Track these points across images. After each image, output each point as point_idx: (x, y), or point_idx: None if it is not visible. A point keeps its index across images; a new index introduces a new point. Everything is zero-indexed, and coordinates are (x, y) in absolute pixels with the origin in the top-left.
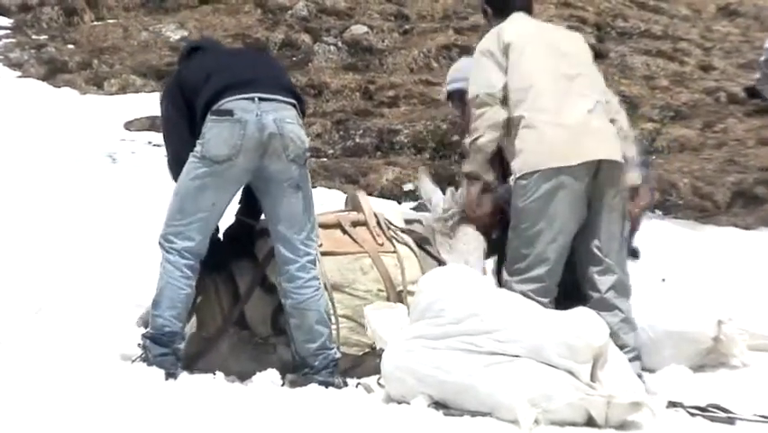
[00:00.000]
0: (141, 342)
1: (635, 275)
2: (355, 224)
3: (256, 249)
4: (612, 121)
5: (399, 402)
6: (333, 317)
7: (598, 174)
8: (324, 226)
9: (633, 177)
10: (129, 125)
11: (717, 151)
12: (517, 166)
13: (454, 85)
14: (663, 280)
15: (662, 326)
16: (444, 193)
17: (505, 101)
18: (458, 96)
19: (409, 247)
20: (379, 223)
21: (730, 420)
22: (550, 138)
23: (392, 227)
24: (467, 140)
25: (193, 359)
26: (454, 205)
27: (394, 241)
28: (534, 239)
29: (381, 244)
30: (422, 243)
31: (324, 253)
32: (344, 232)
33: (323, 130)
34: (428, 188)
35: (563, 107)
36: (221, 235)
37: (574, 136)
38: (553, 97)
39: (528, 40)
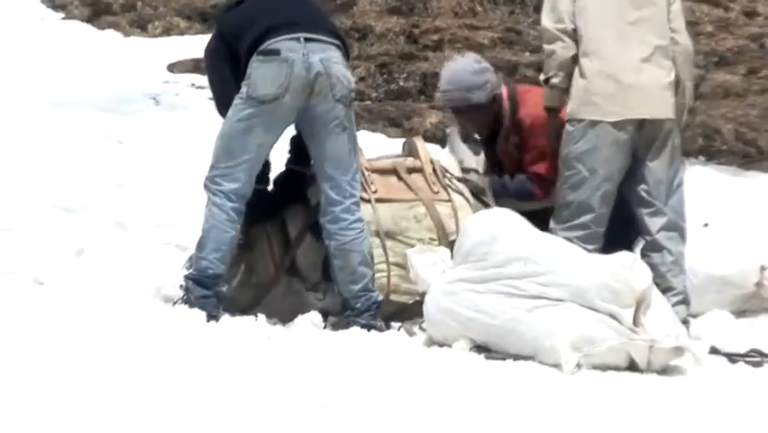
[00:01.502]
0: (184, 284)
1: None
2: (411, 170)
3: (309, 193)
4: (675, 62)
5: (441, 345)
6: (384, 264)
7: (644, 125)
8: (380, 172)
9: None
10: (172, 68)
11: (760, 97)
12: (568, 109)
13: (448, 104)
14: (706, 225)
15: (705, 270)
16: (478, 154)
17: (575, 33)
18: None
19: (464, 196)
20: (435, 170)
21: None
22: (596, 89)
23: (447, 175)
24: (542, 76)
25: (245, 309)
26: (480, 170)
27: (449, 190)
28: (578, 186)
29: (437, 193)
30: (477, 192)
31: (378, 200)
32: (400, 178)
33: (366, 73)
34: (458, 146)
35: (617, 56)
36: (271, 184)
37: (621, 91)
38: (609, 45)
39: None
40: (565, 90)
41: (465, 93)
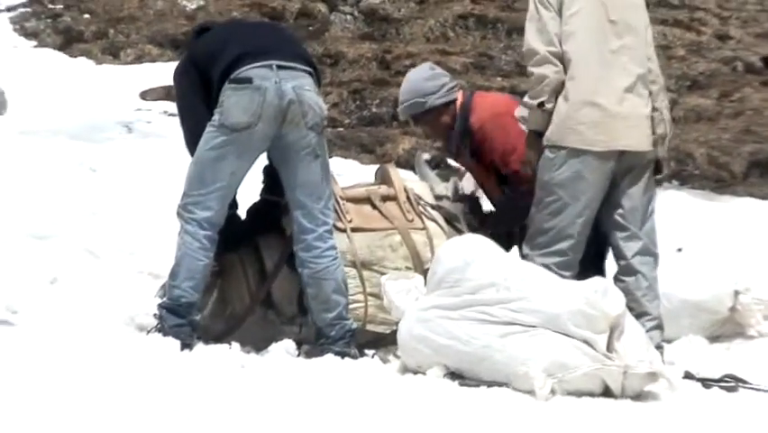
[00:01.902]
0: (157, 312)
1: None
2: (385, 198)
3: (283, 223)
4: (650, 93)
5: (415, 373)
6: (361, 295)
7: (624, 154)
8: (354, 201)
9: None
10: (145, 95)
11: (733, 120)
12: (547, 133)
13: (406, 113)
14: (680, 250)
15: (679, 295)
16: (447, 180)
17: (563, 57)
18: (413, 121)
19: (438, 224)
20: (409, 198)
21: (746, 390)
22: (581, 118)
23: (422, 203)
24: (529, 101)
25: (219, 338)
26: (451, 196)
27: (423, 217)
28: (558, 213)
29: (411, 221)
30: (451, 219)
31: (353, 230)
32: (374, 207)
33: (339, 99)
34: (426, 173)
35: (602, 85)
36: (244, 212)
37: (605, 120)
38: (594, 72)
39: (581, 4)
40: (551, 114)
41: (420, 99)
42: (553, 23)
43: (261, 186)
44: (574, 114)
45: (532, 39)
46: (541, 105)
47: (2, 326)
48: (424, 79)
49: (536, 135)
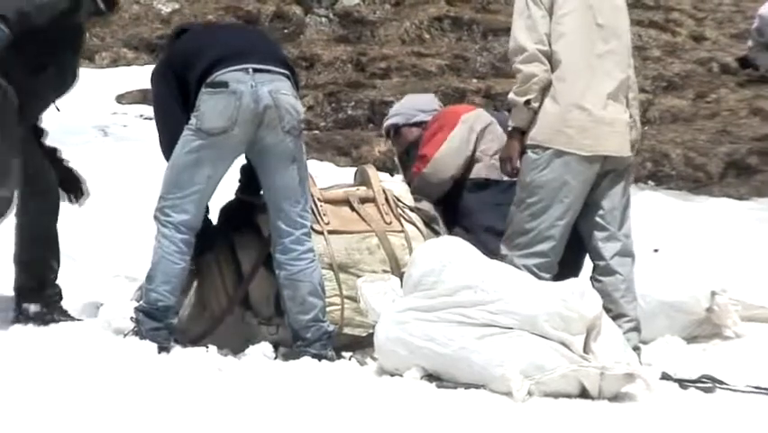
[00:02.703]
0: (134, 316)
1: None
2: (363, 200)
3: (260, 221)
4: (627, 99)
5: (392, 375)
6: (338, 298)
7: (607, 158)
8: (332, 202)
9: None
10: (121, 99)
11: (709, 121)
12: (532, 133)
13: (391, 120)
14: (656, 250)
15: (656, 296)
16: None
17: (551, 57)
18: (394, 132)
19: (416, 227)
20: (387, 200)
21: (723, 391)
22: (569, 121)
23: (400, 204)
24: (515, 98)
25: (196, 340)
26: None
27: (402, 220)
28: (540, 214)
29: (389, 223)
30: (430, 221)
31: (331, 232)
32: (352, 209)
33: (314, 102)
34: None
35: (588, 89)
36: (218, 214)
37: (592, 125)
38: (582, 75)
39: (573, 6)
40: (536, 112)
41: (411, 111)
42: (544, 21)
43: (238, 184)
44: (564, 116)
45: (521, 35)
46: (527, 102)
47: None
48: (420, 99)
49: (519, 133)
